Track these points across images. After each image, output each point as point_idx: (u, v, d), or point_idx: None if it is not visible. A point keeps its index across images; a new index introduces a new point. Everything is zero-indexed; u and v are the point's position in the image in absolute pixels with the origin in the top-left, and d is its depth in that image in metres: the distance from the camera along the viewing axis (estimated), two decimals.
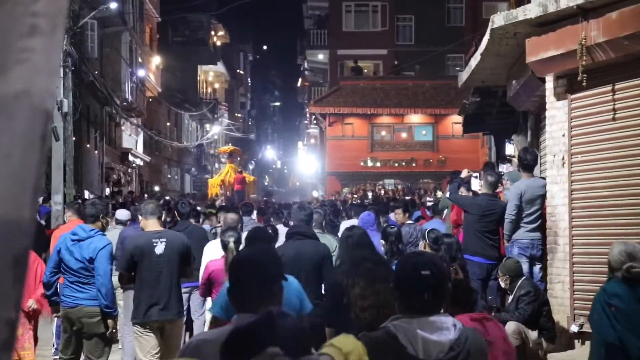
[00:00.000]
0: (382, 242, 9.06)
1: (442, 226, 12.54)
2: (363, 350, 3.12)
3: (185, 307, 10.81)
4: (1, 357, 1.19)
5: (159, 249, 8.72)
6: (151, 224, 9.07)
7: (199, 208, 18.95)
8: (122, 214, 13.69)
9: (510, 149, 19.44)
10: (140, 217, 9.88)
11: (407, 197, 28.66)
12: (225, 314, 5.47)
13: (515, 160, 14.11)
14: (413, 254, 4.87)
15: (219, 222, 13.92)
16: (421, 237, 10.14)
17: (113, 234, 11.45)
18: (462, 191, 12.50)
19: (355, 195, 35.27)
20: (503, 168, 13.49)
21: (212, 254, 9.64)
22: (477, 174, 13.63)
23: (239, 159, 49.31)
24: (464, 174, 13.29)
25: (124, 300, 10.67)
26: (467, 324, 4.27)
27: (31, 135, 1.16)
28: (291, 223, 12.03)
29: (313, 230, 9.42)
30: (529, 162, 11.29)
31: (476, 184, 13.11)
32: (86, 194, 27.80)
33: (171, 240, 8.88)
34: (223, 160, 72.51)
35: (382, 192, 37.83)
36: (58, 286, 9.01)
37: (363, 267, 5.97)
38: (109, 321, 8.86)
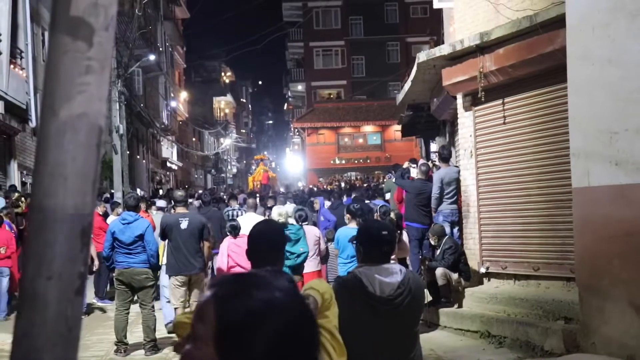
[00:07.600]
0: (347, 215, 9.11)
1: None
2: (332, 290, 3.09)
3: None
4: (77, 301, 1.20)
5: (184, 225, 8.92)
6: (179, 209, 9.30)
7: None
8: (161, 202, 13.85)
9: (434, 147, 19.50)
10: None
11: (364, 185, 28.76)
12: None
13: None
14: (374, 221, 4.86)
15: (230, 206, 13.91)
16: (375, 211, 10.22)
17: (157, 217, 11.43)
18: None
19: (330, 185, 35.17)
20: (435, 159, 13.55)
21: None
22: (414, 165, 13.63)
23: (268, 161, 50.99)
24: (405, 165, 13.32)
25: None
26: None
27: (89, 144, 1.17)
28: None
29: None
30: (445, 155, 11.33)
31: (413, 172, 13.15)
32: (138, 191, 27.66)
33: (192, 219, 9.10)
34: (234, 164, 72.54)
35: (346, 181, 37.79)
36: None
37: None
38: (152, 275, 8.95)
